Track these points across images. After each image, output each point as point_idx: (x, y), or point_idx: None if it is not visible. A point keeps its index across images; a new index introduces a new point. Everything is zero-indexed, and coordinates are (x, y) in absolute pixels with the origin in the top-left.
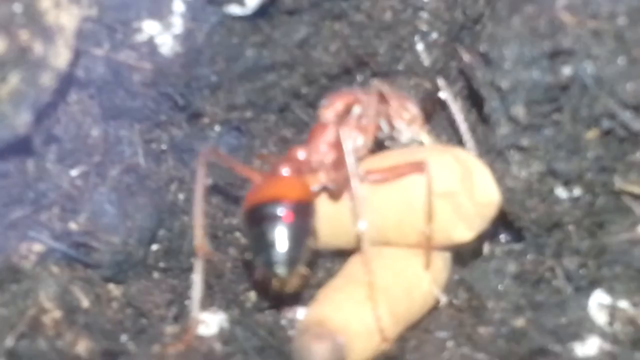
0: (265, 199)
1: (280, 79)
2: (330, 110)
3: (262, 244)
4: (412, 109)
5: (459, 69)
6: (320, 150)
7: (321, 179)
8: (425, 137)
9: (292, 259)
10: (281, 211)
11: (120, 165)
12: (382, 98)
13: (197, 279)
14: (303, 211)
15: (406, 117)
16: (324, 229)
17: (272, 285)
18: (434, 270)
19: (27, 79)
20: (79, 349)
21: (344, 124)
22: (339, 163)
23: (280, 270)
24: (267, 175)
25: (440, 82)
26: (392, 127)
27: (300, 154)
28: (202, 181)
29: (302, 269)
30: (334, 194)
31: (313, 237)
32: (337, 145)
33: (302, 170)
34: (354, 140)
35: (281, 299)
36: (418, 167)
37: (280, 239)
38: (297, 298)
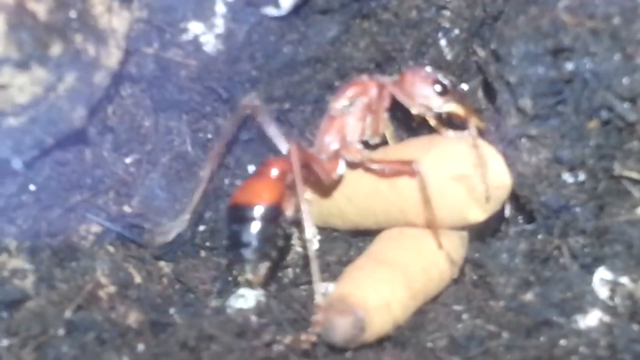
0: (240, 200)
1: (315, 73)
2: (335, 103)
3: (234, 241)
4: (443, 81)
5: (477, 64)
6: (326, 141)
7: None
8: (455, 107)
9: (259, 260)
10: (252, 214)
11: (169, 153)
12: (403, 82)
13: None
14: (273, 215)
15: (437, 89)
16: (352, 212)
17: (238, 280)
18: (451, 248)
19: (81, 78)
20: (130, 321)
21: (348, 115)
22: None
23: (247, 268)
24: (261, 171)
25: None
26: (419, 103)
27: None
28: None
29: (268, 267)
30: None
31: (283, 237)
32: (341, 136)
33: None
34: (355, 132)
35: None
36: (411, 171)
37: (249, 240)
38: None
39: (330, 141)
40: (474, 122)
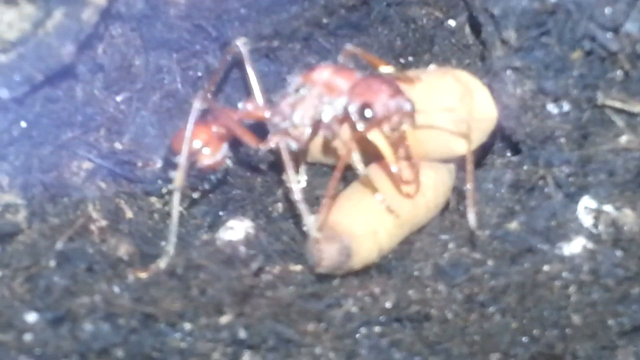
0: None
1: (304, 10)
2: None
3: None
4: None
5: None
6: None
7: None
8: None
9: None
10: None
11: (160, 91)
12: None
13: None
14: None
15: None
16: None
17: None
18: (438, 180)
19: (70, 14)
20: (120, 252)
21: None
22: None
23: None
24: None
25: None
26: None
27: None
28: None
29: None
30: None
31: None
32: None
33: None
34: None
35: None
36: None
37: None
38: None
39: (280, 118)
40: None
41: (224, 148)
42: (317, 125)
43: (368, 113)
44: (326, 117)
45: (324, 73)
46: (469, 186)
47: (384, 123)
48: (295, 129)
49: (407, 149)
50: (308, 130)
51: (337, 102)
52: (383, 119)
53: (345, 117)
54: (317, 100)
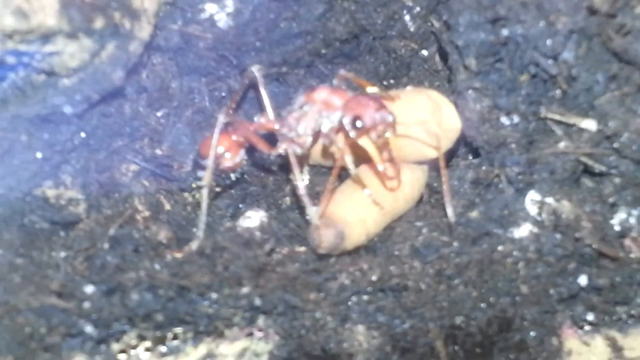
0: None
1: (306, 43)
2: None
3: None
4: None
5: (433, 33)
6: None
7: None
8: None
9: None
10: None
11: (192, 108)
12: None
13: None
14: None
15: (358, 125)
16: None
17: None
18: (414, 178)
19: (120, 46)
20: (160, 237)
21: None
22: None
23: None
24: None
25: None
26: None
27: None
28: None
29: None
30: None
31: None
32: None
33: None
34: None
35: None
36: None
37: None
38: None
39: (287, 129)
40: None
41: (242, 153)
42: (317, 134)
43: (359, 124)
44: (325, 128)
45: (322, 93)
46: (445, 187)
47: (371, 131)
48: (299, 137)
49: (390, 152)
50: (310, 139)
51: (333, 116)
52: (370, 128)
53: (340, 128)
54: (317, 114)
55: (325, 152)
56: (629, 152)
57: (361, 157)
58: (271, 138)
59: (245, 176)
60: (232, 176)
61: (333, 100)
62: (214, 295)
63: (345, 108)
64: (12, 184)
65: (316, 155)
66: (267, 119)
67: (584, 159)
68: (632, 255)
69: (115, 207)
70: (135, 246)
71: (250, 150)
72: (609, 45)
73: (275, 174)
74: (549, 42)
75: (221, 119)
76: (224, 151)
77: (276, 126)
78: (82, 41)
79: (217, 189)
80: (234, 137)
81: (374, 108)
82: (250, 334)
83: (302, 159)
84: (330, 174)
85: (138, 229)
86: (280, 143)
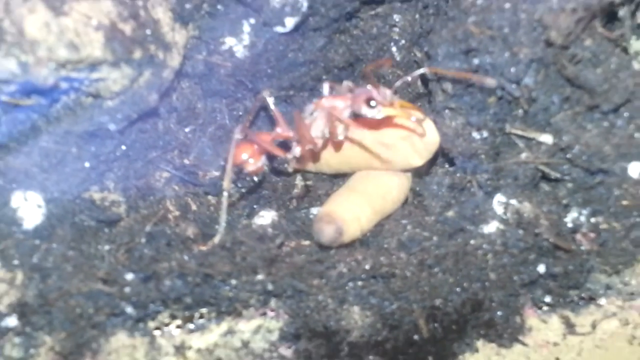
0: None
1: (310, 70)
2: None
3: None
4: (376, 98)
5: (416, 62)
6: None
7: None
8: (387, 111)
9: None
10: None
11: (214, 125)
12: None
13: None
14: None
15: (372, 105)
16: (335, 162)
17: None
18: (400, 183)
19: (155, 73)
20: (188, 233)
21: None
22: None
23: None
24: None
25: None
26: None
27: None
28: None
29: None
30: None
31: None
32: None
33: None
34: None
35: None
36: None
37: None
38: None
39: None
40: (406, 114)
41: (263, 159)
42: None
43: (373, 103)
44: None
45: (327, 100)
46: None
47: (384, 102)
48: (313, 139)
49: (406, 106)
50: (320, 140)
51: (343, 114)
52: (382, 100)
53: (355, 117)
54: (325, 119)
55: (327, 163)
56: (579, 161)
57: (357, 166)
58: (284, 146)
59: (260, 181)
60: (255, 178)
61: (336, 104)
62: (234, 282)
63: (354, 99)
64: (65, 188)
65: (319, 163)
66: (284, 129)
67: (542, 167)
68: (582, 248)
69: (150, 207)
70: (167, 240)
71: (270, 157)
72: (563, 72)
73: (284, 180)
74: (512, 69)
75: (236, 135)
76: (248, 157)
77: (291, 134)
78: (123, 69)
79: (236, 193)
80: (255, 146)
81: (374, 88)
82: (264, 314)
83: (305, 166)
84: (329, 181)
85: (170, 226)
86: (294, 146)
